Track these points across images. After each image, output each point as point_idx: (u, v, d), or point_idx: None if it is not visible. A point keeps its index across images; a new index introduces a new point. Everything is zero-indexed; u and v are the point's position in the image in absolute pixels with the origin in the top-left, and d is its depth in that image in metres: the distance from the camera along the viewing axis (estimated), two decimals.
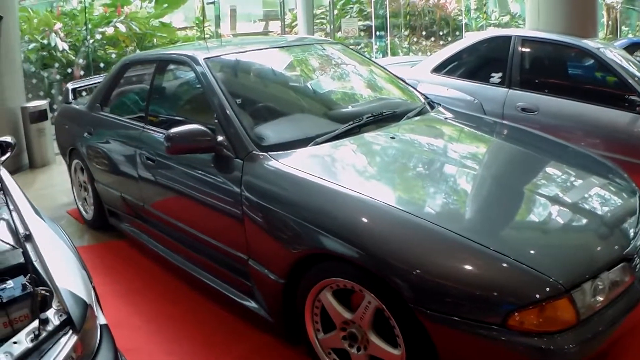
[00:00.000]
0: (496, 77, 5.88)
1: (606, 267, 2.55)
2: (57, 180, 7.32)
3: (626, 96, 4.95)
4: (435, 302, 2.47)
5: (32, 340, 1.87)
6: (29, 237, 2.45)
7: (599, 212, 2.94)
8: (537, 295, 2.34)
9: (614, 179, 3.32)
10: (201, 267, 3.97)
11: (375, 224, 2.76)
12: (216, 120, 3.60)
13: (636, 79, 5.04)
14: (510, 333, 2.35)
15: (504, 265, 2.43)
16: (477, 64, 6.33)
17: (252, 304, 3.47)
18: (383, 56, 15.22)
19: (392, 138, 3.55)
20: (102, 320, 2.32)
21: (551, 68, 6.02)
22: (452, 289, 2.43)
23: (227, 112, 3.58)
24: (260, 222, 3.22)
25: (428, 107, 4.25)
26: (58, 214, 6.01)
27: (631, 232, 2.82)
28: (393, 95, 4.56)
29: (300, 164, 3.24)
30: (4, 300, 2.02)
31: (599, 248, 2.69)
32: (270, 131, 3.61)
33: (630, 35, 18.57)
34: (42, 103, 8.25)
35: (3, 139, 3.38)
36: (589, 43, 5.61)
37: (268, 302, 3.32)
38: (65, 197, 6.43)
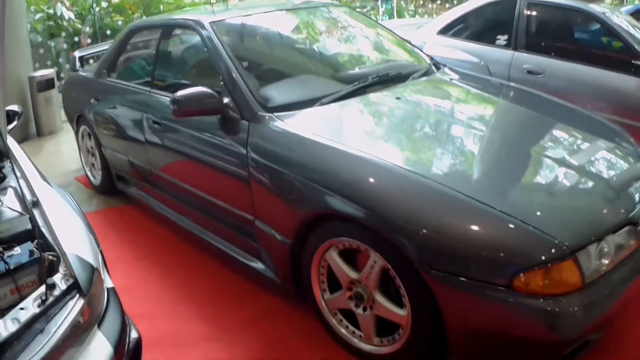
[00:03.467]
0: (502, 39, 5.85)
1: (612, 230, 2.54)
2: (65, 148, 7.36)
3: (632, 61, 4.92)
4: (440, 262, 2.48)
5: (39, 306, 1.88)
6: (36, 204, 2.47)
7: (605, 176, 2.93)
8: (543, 257, 2.34)
9: (621, 143, 3.30)
10: (209, 229, 4.00)
11: (382, 184, 2.76)
12: (222, 83, 3.60)
13: None
14: (516, 294, 2.35)
15: (510, 226, 2.42)
16: (483, 26, 6.28)
17: (259, 265, 3.50)
18: (389, 19, 15.07)
19: (398, 99, 3.54)
20: (109, 283, 2.34)
21: (557, 31, 5.98)
22: (458, 249, 2.44)
23: (233, 74, 3.57)
24: (266, 183, 3.24)
25: (434, 68, 4.24)
26: (66, 180, 6.06)
27: (637, 197, 2.80)
28: (399, 57, 4.54)
29: (306, 125, 3.24)
30: (12, 267, 2.04)
31: (604, 211, 2.67)
32: (276, 92, 3.60)
33: (636, 2, 18.31)
34: (49, 72, 8.27)
35: (10, 108, 3.39)
36: (595, 8, 5.56)
37: (275, 263, 3.35)
38: (73, 164, 6.46)
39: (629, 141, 3.38)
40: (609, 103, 5.00)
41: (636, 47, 4.98)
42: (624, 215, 2.65)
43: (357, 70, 4.17)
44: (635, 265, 2.65)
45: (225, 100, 3.50)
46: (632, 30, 5.26)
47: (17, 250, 2.12)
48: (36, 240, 2.17)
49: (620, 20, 5.44)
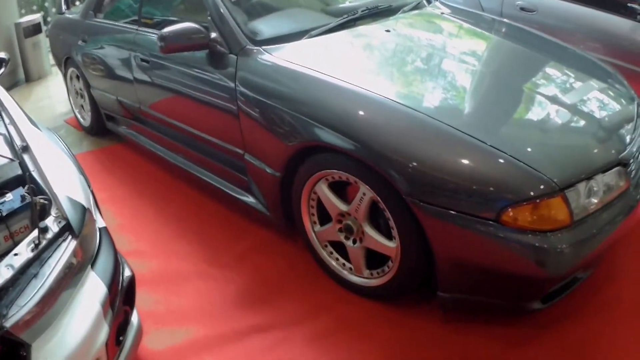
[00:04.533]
0: None
1: (601, 170, 2.54)
2: (54, 91, 7.35)
3: (627, 4, 4.83)
4: (430, 194, 2.48)
5: (32, 250, 1.89)
6: (26, 148, 2.45)
7: (597, 116, 2.90)
8: (531, 193, 2.34)
9: (614, 84, 3.26)
10: (200, 165, 4.02)
11: (372, 117, 2.74)
12: (209, 18, 3.55)
13: None
14: (504, 229, 2.37)
15: (500, 161, 2.42)
16: None
17: (249, 199, 3.52)
18: None
19: (387, 31, 3.50)
20: (100, 223, 2.35)
21: None
22: (447, 182, 2.44)
23: (221, 9, 3.52)
24: (255, 117, 3.22)
25: (425, 1, 4.18)
26: (56, 123, 6.06)
27: (628, 138, 2.79)
28: None
29: (294, 57, 3.20)
30: (4, 214, 2.03)
31: (595, 150, 2.66)
32: (264, 26, 3.57)
33: None
34: (35, 17, 8.22)
35: None
36: None
37: (265, 196, 3.36)
38: (63, 107, 6.47)
39: (622, 83, 3.35)
40: (602, 44, 4.93)
41: None
42: (614, 155, 2.64)
43: (346, 3, 4.12)
44: (625, 206, 2.66)
45: (213, 35, 3.47)
46: None
47: (8, 196, 2.12)
48: (27, 185, 2.16)
49: None
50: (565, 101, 2.95)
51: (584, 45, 4.82)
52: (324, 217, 3.09)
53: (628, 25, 4.76)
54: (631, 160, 2.73)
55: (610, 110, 2.99)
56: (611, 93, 3.16)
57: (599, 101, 3.07)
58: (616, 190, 2.62)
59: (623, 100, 3.10)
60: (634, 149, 2.78)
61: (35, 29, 8.04)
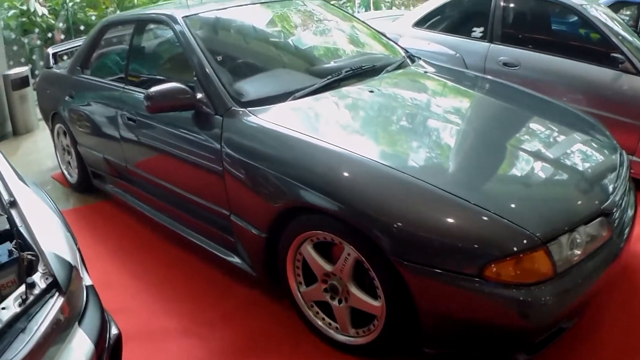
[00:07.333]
0: (478, 31, 5.82)
1: (584, 221, 2.58)
2: (42, 146, 7.31)
3: (610, 54, 4.90)
4: (414, 254, 2.50)
5: (19, 305, 1.88)
6: (13, 203, 2.46)
7: (580, 168, 2.95)
8: (514, 248, 2.37)
9: (596, 135, 3.32)
10: (185, 224, 4.00)
11: (356, 178, 2.77)
12: (195, 78, 3.59)
13: (620, 37, 4.95)
14: (487, 284, 2.39)
15: (484, 218, 2.44)
16: (459, 18, 6.24)
17: (235, 260, 3.51)
18: (366, 10, 14.94)
19: (371, 92, 3.55)
20: (87, 281, 2.35)
21: (534, 23, 5.93)
22: (431, 240, 2.46)
23: (207, 70, 3.56)
24: (240, 178, 3.23)
25: (408, 60, 4.24)
26: (43, 178, 6.02)
27: (610, 188, 2.83)
28: (373, 49, 4.53)
29: (279, 119, 3.23)
30: None
31: (578, 202, 2.71)
32: (250, 87, 3.60)
33: None
34: (23, 69, 8.17)
35: None
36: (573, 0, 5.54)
37: (251, 256, 3.36)
38: (50, 162, 6.43)
39: (604, 133, 3.41)
40: (585, 95, 4.98)
41: (613, 39, 4.95)
42: (597, 206, 2.68)
43: (331, 63, 4.15)
44: (608, 254, 2.69)
45: (199, 95, 3.50)
46: (610, 23, 5.22)
47: None
48: (15, 240, 2.16)
49: (599, 12, 5.37)
50: (548, 155, 2.99)
51: (567, 98, 4.87)
52: (309, 277, 3.09)
53: (610, 75, 4.82)
54: (614, 209, 2.77)
55: (592, 162, 3.05)
56: (593, 144, 3.22)
57: (582, 153, 3.12)
58: (599, 240, 2.65)
59: (605, 151, 3.16)
60: (617, 198, 2.82)
61: (23, 82, 7.98)
